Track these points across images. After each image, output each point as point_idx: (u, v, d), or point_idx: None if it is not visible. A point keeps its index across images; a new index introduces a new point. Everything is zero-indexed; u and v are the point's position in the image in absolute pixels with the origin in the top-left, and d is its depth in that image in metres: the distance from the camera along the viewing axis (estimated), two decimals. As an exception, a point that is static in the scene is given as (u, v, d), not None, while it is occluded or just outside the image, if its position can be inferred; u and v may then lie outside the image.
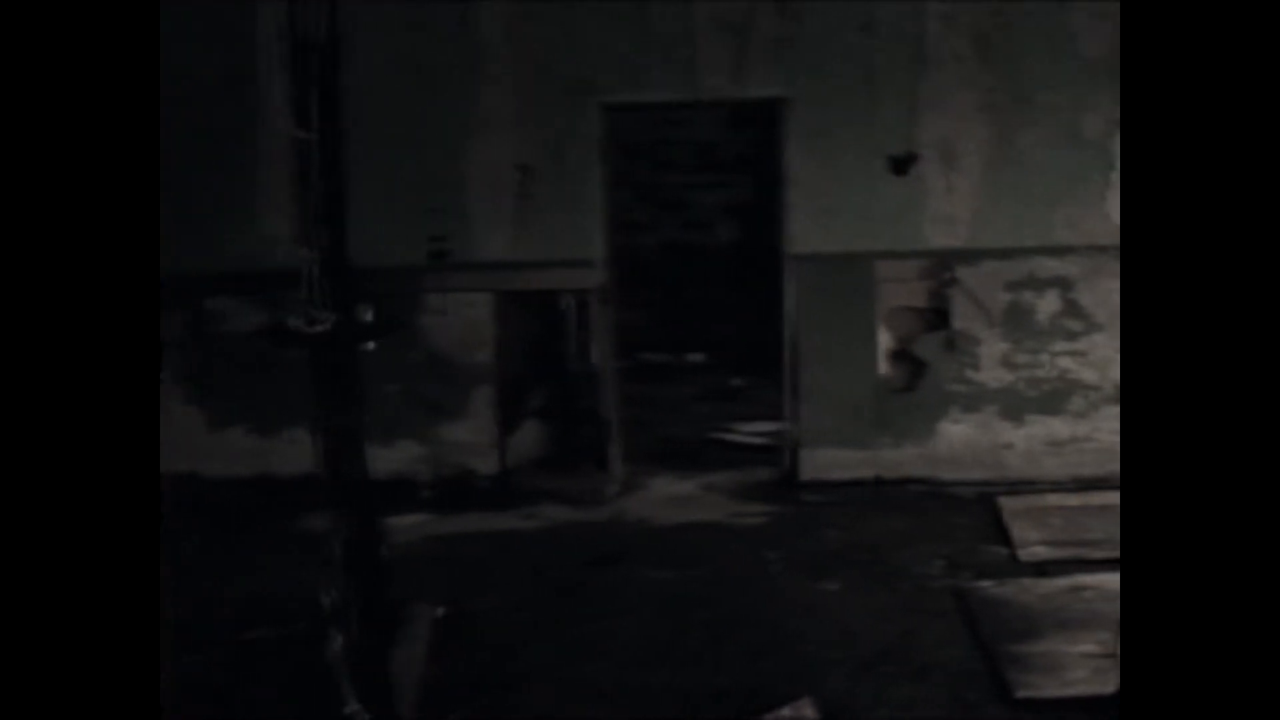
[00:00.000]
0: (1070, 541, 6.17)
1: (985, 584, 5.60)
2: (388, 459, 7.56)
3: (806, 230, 7.52)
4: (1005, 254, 7.43)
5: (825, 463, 7.60)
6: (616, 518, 7.13)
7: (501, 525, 7.02)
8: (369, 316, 3.87)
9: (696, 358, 13.61)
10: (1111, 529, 6.27)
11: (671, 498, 7.56)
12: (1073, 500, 6.96)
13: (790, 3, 7.36)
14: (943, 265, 7.45)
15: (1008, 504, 6.92)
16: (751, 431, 9.32)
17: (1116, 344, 7.31)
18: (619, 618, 5.40)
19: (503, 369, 7.84)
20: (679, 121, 13.14)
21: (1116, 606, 5.10)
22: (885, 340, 7.55)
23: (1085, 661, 4.71)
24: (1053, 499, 7.01)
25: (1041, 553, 6.02)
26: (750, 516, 7.03)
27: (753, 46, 7.44)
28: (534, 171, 7.64)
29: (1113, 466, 7.20)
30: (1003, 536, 6.38)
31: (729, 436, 9.25)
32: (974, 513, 6.94)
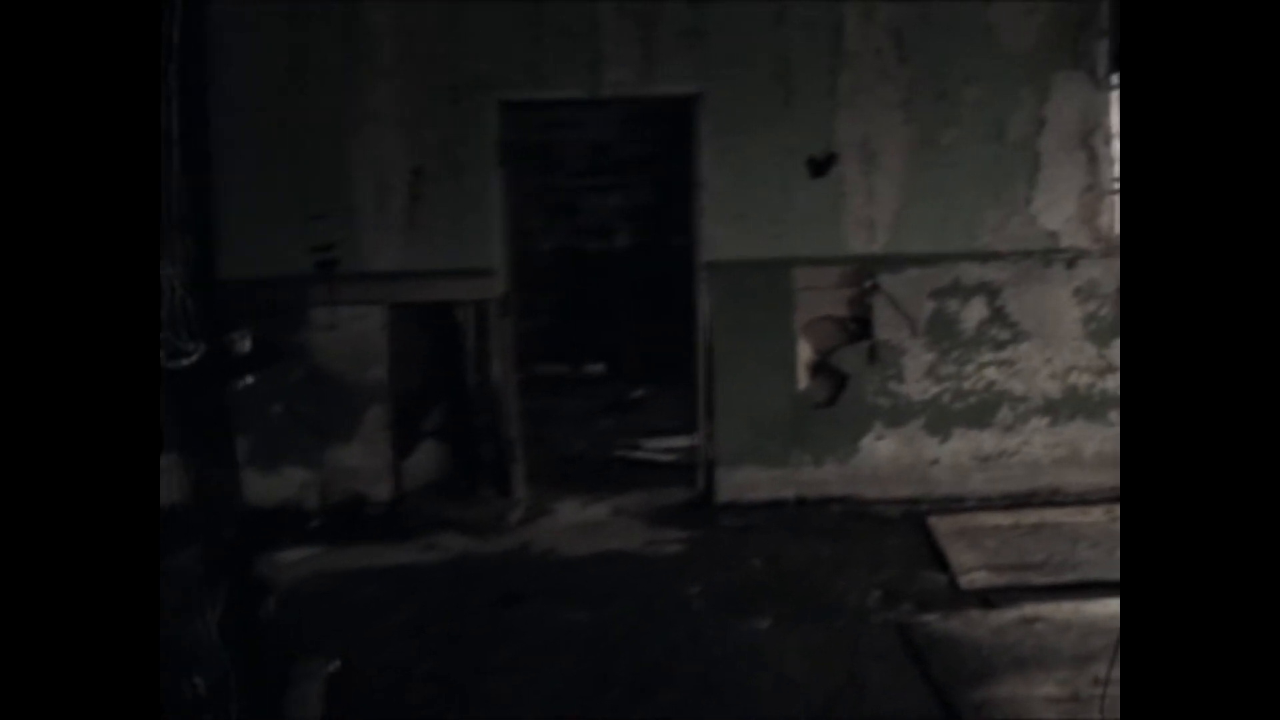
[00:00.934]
0: (1010, 565, 5.78)
1: (929, 618, 5.17)
2: (273, 486, 7.05)
3: (720, 235, 7.06)
4: (929, 260, 7.05)
5: (743, 482, 7.16)
6: (522, 548, 6.58)
7: (397, 559, 6.43)
8: (245, 346, 3.27)
9: (595, 368, 13.17)
10: (1050, 550, 5.96)
11: (580, 524, 7.04)
12: (1005, 519, 6.59)
13: (701, -8, 6.91)
14: (864, 272, 7.05)
15: (939, 524, 6.53)
16: (659, 448, 8.86)
17: (1044, 354, 7.02)
18: (530, 669, 4.86)
19: (396, 387, 7.28)
20: (570, 121, 12.69)
21: (1071, 640, 4.81)
22: (804, 352, 7.13)
23: (1050, 706, 4.30)
24: (985, 518, 6.64)
25: (982, 579, 5.61)
26: (667, 544, 6.54)
27: (661, 39, 6.97)
28: (427, 174, 7.09)
29: (1041, 481, 6.93)
30: (938, 561, 5.98)
31: (636, 454, 8.77)
32: (903, 534, 6.54)
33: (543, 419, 10.21)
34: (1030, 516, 6.59)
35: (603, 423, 10.41)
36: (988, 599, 5.37)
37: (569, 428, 10.10)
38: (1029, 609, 5.17)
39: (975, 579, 5.62)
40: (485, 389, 7.37)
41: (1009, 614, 5.15)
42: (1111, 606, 5.07)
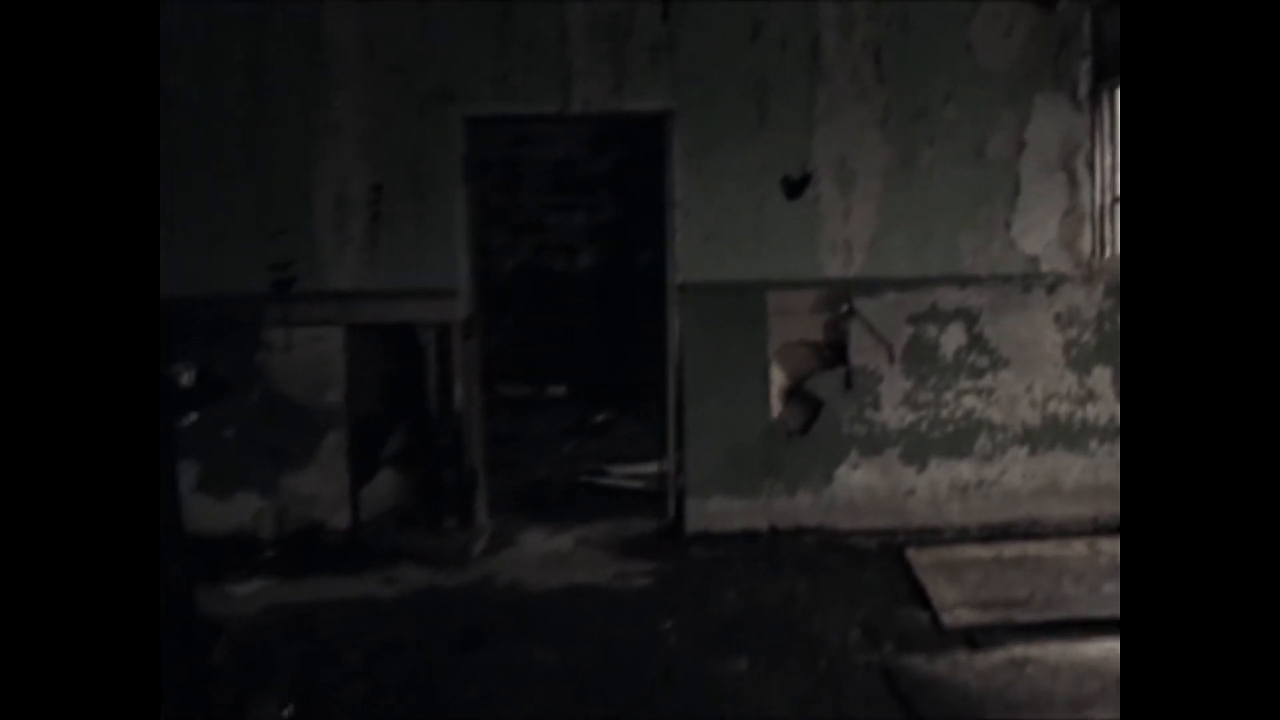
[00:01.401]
0: (994, 602, 5.56)
1: (914, 659, 4.94)
2: (225, 514, 6.80)
3: (691, 256, 6.84)
4: (906, 284, 6.85)
5: (714, 512, 6.93)
6: (485, 581, 6.31)
7: (355, 592, 6.15)
8: (188, 379, 3.02)
9: (558, 391, 12.92)
10: (1033, 585, 5.75)
11: (545, 555, 6.78)
12: (985, 552, 6.38)
13: (674, 2, 6.68)
14: (840, 296, 6.84)
15: (917, 557, 6.31)
16: (626, 474, 8.61)
17: (1024, 381, 6.83)
18: (495, 715, 4.60)
19: (355, 411, 7.01)
20: (536, 138, 12.47)
21: (1064, 684, 4.59)
22: (778, 378, 6.90)
23: (1046, 759, 4.08)
24: (964, 551, 6.43)
25: (966, 617, 5.39)
26: (636, 577, 6.28)
27: (633, 54, 6.75)
28: (389, 190, 6.83)
29: (1020, 511, 6.74)
30: (919, 596, 5.76)
31: (602, 480, 8.51)
32: (881, 567, 6.32)
33: (506, 443, 9.98)
34: (1011, 549, 6.39)
35: (567, 447, 10.18)
36: (973, 638, 5.15)
37: (532, 452, 9.87)
38: (1018, 650, 4.95)
39: (959, 616, 5.40)
40: (447, 414, 7.10)
41: (996, 655, 4.93)
42: (1103, 647, 4.89)
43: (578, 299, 13.06)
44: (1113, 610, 4.95)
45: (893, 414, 6.90)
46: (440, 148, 6.82)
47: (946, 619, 5.39)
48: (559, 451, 9.98)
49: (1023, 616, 5.36)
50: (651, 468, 8.12)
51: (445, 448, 7.12)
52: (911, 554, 6.39)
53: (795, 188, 6.79)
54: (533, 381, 12.95)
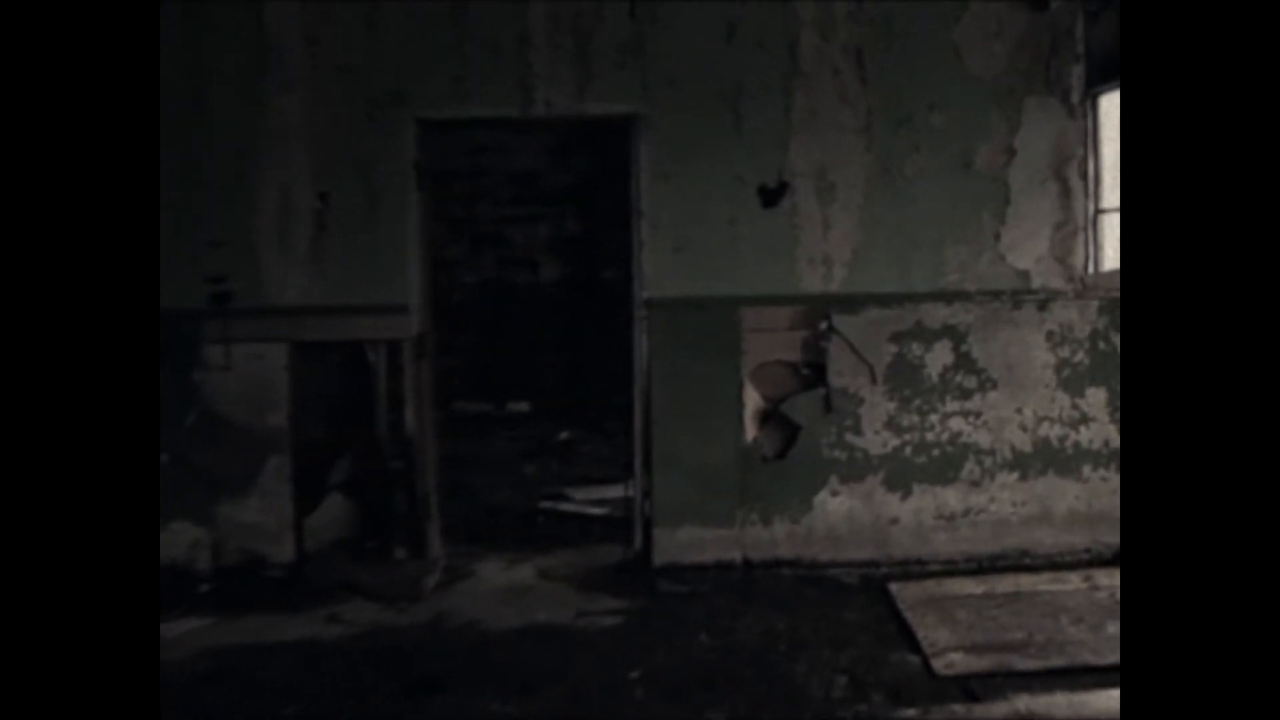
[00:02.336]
0: (989, 645, 5.14)
1: (908, 714, 4.51)
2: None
3: (660, 270, 6.41)
4: (889, 300, 6.44)
5: (684, 542, 6.49)
6: (438, 620, 5.84)
7: (297, 633, 5.67)
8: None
9: (520, 407, 12.49)
10: (1030, 625, 5.33)
11: (504, 589, 6.31)
12: (975, 587, 5.97)
13: (643, 2, 6.26)
14: (818, 313, 6.43)
15: (902, 592, 5.90)
16: (589, 499, 8.17)
17: (1014, 403, 6.43)
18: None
19: (300, 434, 6.54)
20: (496, 146, 12.06)
21: (1072, 743, 4.15)
22: (752, 400, 6.48)
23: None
24: (953, 585, 6.01)
25: (960, 663, 4.97)
26: (601, 615, 5.83)
27: (598, 54, 6.33)
28: (336, 199, 6.38)
29: (1009, 541, 6.35)
30: (907, 638, 5.33)
31: (564, 506, 8.06)
32: (864, 604, 5.89)
33: (463, 465, 9.54)
34: (1003, 584, 5.98)
35: (527, 468, 9.73)
36: (969, 689, 4.72)
37: (490, 475, 9.42)
38: (1021, 703, 4.53)
39: (952, 662, 4.97)
40: (399, 438, 6.63)
41: (997, 709, 4.50)
42: (1112, 698, 4.48)
43: (541, 314, 12.67)
44: (1118, 656, 4.54)
45: (875, 438, 6.49)
46: (391, 153, 6.38)
47: (939, 665, 4.96)
48: (520, 473, 9.53)
49: (1022, 663, 4.94)
50: (617, 491, 7.67)
51: (396, 473, 6.66)
52: (896, 589, 5.97)
53: (771, 197, 6.38)
54: (493, 398, 12.53)
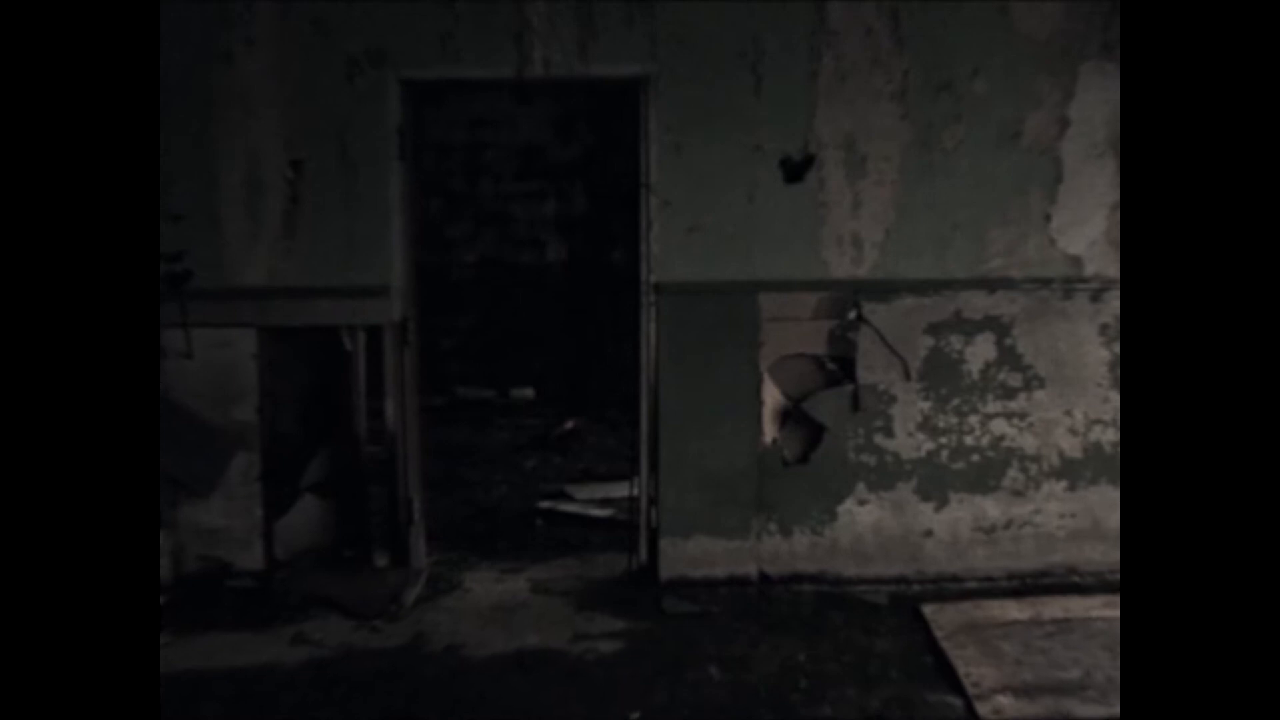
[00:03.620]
0: (1042, 686, 4.48)
1: (952, 777, 3.86)
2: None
3: (670, 251, 5.75)
4: (926, 287, 5.76)
5: (694, 555, 5.85)
6: (417, 643, 5.20)
7: (257, 656, 5.04)
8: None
9: (524, 394, 11.85)
10: (1086, 660, 4.67)
11: (493, 605, 5.67)
12: (1020, 611, 5.31)
13: (654, -51, 5.59)
14: (847, 300, 5.75)
15: (938, 617, 5.24)
16: (592, 499, 7.52)
17: (1063, 404, 5.76)
18: None
19: (270, 430, 5.91)
20: (499, 119, 11.40)
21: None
22: (772, 396, 5.81)
23: None
24: (995, 609, 5.34)
25: (1009, 709, 4.31)
26: (599, 639, 5.19)
27: (602, 9, 5.64)
28: (310, 169, 5.73)
29: (1056, 557, 5.69)
30: (945, 674, 4.68)
31: (565, 507, 7.41)
32: (895, 628, 5.25)
33: (459, 456, 8.94)
34: (1051, 608, 5.32)
35: (528, 462, 9.07)
36: (1022, 741, 4.07)
37: (487, 468, 8.79)
38: (1084, 764, 3.87)
39: (1000, 708, 4.31)
40: (379, 434, 5.99)
41: (1058, 771, 3.85)
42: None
43: (547, 295, 11.99)
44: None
45: (908, 441, 5.82)
46: (372, 118, 5.72)
47: (985, 711, 4.31)
48: (519, 467, 8.88)
49: (1082, 709, 4.28)
50: (623, 489, 7.01)
51: (375, 474, 6.02)
52: (931, 612, 5.32)
53: (795, 171, 5.69)
54: (496, 384, 11.91)
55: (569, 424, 10.39)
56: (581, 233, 11.87)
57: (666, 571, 5.86)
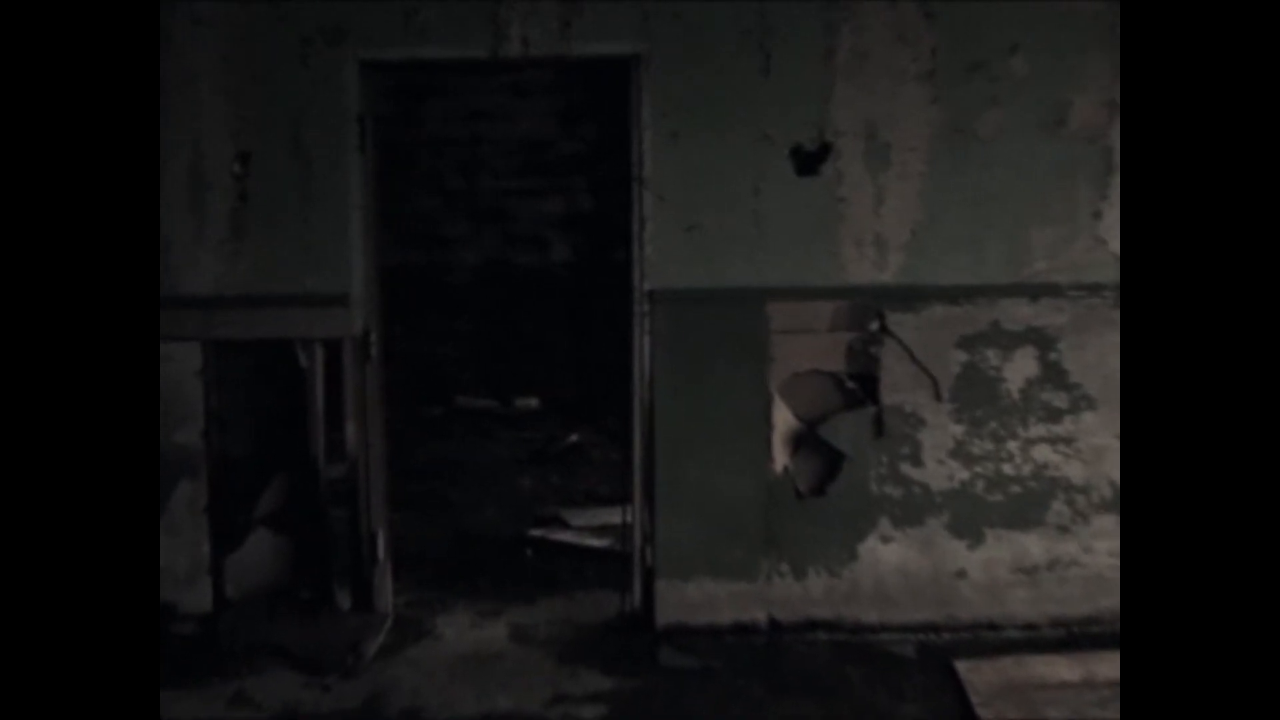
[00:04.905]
0: (1099, 771, 3.78)
1: None
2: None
3: (667, 254, 5.07)
4: (958, 294, 5.06)
5: (694, 599, 5.17)
6: (373, 703, 4.54)
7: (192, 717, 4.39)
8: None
9: (529, 403, 11.18)
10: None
11: (466, 657, 5.00)
12: (1069, 670, 4.61)
13: (645, -93, 4.90)
14: (868, 310, 5.05)
15: (974, 677, 4.54)
16: (590, 525, 6.83)
17: (1114, 428, 5.05)
18: None
19: (217, 454, 5.28)
20: (497, 113, 10.75)
21: None
22: (783, 419, 5.12)
23: None
24: (1040, 667, 4.64)
25: (1060, 800, 3.60)
26: (581, 703, 4.51)
27: (588, -22, 4.97)
28: (260, 162, 5.09)
29: (1107, 602, 4.99)
30: (983, 751, 3.98)
31: (558, 535, 6.72)
32: (923, 689, 4.56)
33: (449, 474, 8.27)
34: (1105, 665, 4.60)
35: (523, 480, 8.39)
36: None
37: (479, 487, 8.10)
38: None
39: (1050, 800, 3.61)
40: (340, 460, 5.33)
41: None
42: None
43: (551, 298, 11.31)
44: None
45: (938, 470, 5.12)
46: (328, 105, 5.07)
47: (1032, 803, 3.60)
48: (513, 486, 8.20)
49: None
50: (618, 513, 6.35)
51: (335, 505, 5.36)
52: (965, 670, 4.62)
53: (809, 162, 5.00)
54: (499, 392, 11.26)
55: (572, 437, 9.74)
56: (587, 232, 11.20)
57: (664, 617, 5.18)
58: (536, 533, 6.80)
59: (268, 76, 5.05)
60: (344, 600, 5.36)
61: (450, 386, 11.22)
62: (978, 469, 5.12)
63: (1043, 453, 5.11)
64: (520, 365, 11.28)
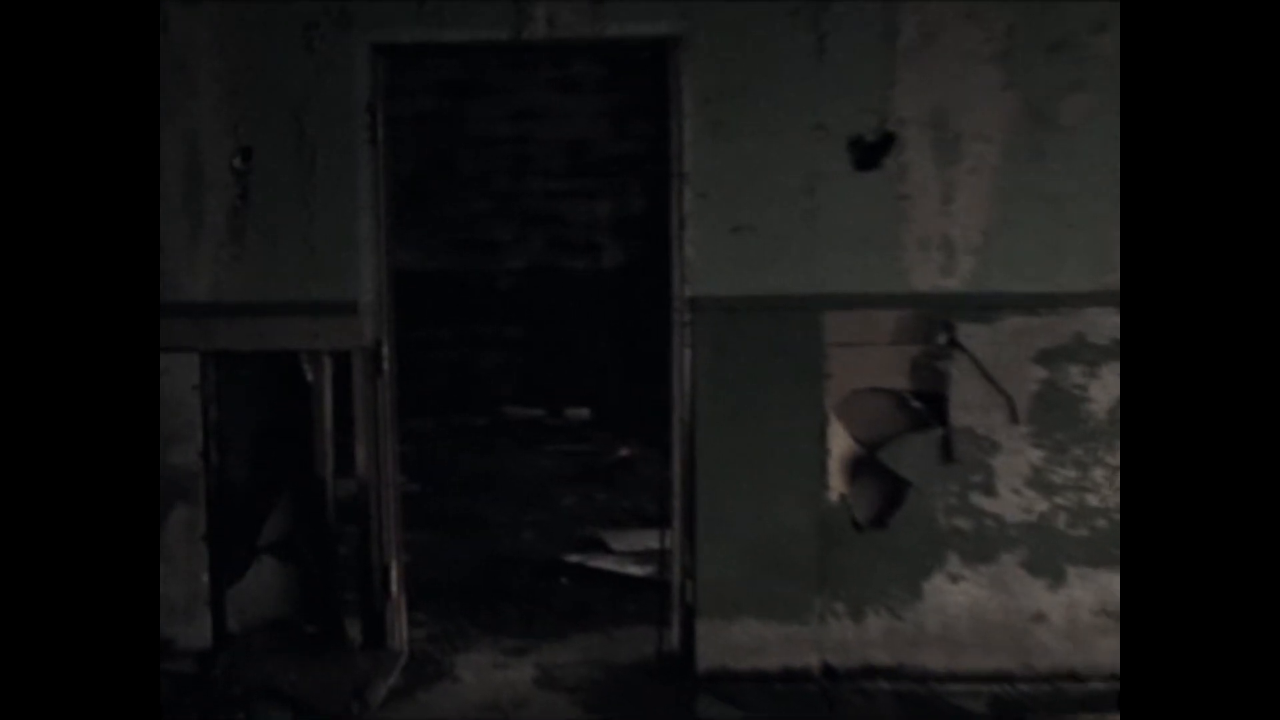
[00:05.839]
0: None
1: None
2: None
3: (710, 258, 4.56)
4: (1037, 303, 4.50)
5: (739, 641, 4.66)
6: (376, 761, 4.06)
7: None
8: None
9: (579, 414, 10.74)
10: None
11: (483, 706, 4.51)
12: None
13: None
14: (935, 321, 4.51)
15: (1056, 740, 3.98)
16: (633, 550, 6.34)
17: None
18: None
19: (218, 476, 4.84)
20: (543, 112, 10.32)
21: None
22: (839, 442, 4.59)
23: None
24: (1131, 730, 4.05)
25: None
26: (609, 766, 4.00)
27: (621, -50, 4.47)
28: (262, 158, 4.65)
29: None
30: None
31: (597, 562, 6.23)
32: (997, 755, 4.00)
33: (488, 491, 7.82)
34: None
35: (567, 499, 7.91)
36: None
37: (518, 506, 7.63)
38: None
39: None
40: (350, 484, 4.86)
41: None
42: None
43: (602, 304, 10.85)
44: None
45: (1013, 500, 4.56)
46: (335, 93, 4.60)
47: None
48: (555, 504, 7.73)
49: None
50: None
51: (344, 533, 4.89)
52: (1045, 731, 4.06)
53: (869, 155, 4.47)
54: (547, 403, 10.81)
55: (622, 451, 9.27)
56: (640, 234, 10.72)
57: (705, 660, 4.66)
58: (574, 558, 6.32)
59: (269, 63, 4.61)
60: (355, 633, 4.90)
61: (497, 396, 10.82)
62: (1058, 500, 4.55)
63: (1133, 482, 4.53)
64: (570, 374, 10.88)
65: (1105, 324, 4.49)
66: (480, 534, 6.89)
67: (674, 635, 4.77)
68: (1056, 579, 4.58)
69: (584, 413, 10.78)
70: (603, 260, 10.90)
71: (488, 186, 10.56)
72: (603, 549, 6.50)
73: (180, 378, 4.72)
